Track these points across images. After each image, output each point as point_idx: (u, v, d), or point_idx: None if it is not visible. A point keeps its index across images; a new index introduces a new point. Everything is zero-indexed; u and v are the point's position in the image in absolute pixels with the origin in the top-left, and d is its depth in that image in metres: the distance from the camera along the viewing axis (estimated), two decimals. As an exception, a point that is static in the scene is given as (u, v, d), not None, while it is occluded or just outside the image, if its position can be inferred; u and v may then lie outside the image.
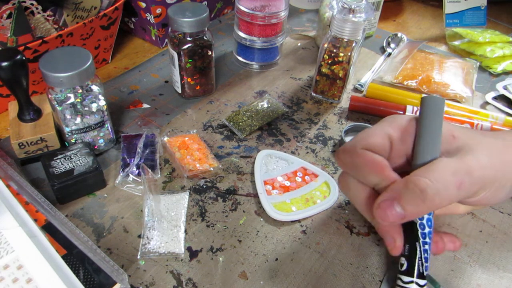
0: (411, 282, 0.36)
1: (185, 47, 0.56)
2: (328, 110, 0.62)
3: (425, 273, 0.36)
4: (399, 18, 0.90)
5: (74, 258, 0.37)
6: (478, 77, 0.71)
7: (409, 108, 0.59)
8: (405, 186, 0.33)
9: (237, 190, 0.49)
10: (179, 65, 0.58)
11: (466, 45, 0.78)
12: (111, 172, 0.51)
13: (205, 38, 0.57)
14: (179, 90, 0.62)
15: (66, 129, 0.49)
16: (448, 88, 0.65)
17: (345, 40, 0.57)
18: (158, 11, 0.68)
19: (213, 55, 0.59)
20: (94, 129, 0.50)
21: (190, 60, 0.57)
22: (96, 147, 0.52)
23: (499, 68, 0.72)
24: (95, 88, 0.48)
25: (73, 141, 0.50)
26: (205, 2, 0.76)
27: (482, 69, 0.73)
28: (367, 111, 0.61)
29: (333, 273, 0.42)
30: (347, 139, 0.53)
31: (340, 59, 0.58)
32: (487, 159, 0.35)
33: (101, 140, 0.52)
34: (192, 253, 0.43)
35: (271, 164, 0.52)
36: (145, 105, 0.61)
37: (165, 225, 0.44)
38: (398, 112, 0.59)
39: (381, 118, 0.60)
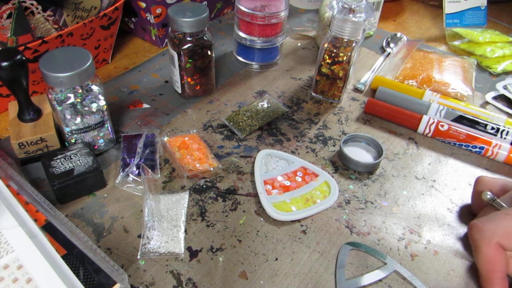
0: None
1: (185, 47, 0.56)
2: (328, 110, 0.62)
3: None
4: (399, 18, 0.90)
5: (74, 258, 0.37)
6: (478, 77, 0.71)
7: (425, 118, 0.58)
8: None
9: (237, 190, 0.49)
10: (179, 65, 0.58)
11: (466, 45, 0.78)
12: (111, 172, 0.51)
13: (205, 38, 0.57)
14: (179, 90, 0.62)
15: (66, 129, 0.49)
16: (449, 87, 0.65)
17: (345, 40, 0.57)
18: (158, 11, 0.68)
19: (213, 55, 0.59)
20: (94, 129, 0.50)
21: (190, 60, 0.57)
22: (96, 147, 0.52)
23: (499, 68, 0.72)
24: (95, 88, 0.48)
25: (73, 141, 0.50)
26: (205, 2, 0.76)
27: (482, 69, 0.73)
28: (383, 116, 0.61)
29: (333, 273, 0.42)
30: (346, 149, 0.53)
31: (340, 59, 0.58)
32: None
33: (101, 140, 0.52)
34: (192, 253, 0.43)
35: (271, 163, 0.52)
36: (145, 105, 0.61)
37: (165, 225, 0.44)
38: (413, 121, 0.58)
39: (395, 124, 0.59)
